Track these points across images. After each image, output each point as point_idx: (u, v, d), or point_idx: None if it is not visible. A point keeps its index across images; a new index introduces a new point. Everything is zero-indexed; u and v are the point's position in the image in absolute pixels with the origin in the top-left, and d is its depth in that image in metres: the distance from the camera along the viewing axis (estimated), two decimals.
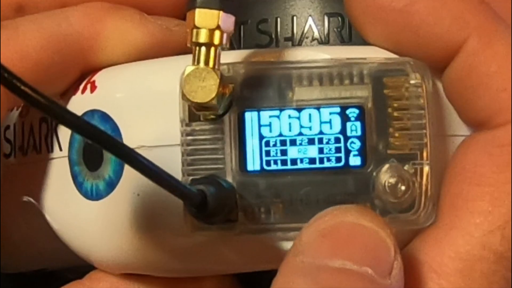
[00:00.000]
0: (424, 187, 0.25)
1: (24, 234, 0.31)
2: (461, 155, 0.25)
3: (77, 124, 0.20)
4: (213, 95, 0.23)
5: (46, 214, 0.29)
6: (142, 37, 0.28)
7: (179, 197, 0.22)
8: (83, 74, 0.28)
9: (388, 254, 0.23)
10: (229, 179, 0.25)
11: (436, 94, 0.26)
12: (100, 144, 0.20)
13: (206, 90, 0.23)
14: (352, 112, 0.25)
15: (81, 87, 0.27)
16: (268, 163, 0.25)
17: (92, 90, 0.27)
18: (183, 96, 0.24)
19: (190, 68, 0.24)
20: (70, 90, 0.28)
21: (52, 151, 0.28)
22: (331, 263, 0.23)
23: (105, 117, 0.26)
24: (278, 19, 0.29)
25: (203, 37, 0.24)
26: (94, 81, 0.27)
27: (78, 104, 0.27)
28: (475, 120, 0.25)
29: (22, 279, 0.34)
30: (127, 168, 0.26)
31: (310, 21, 0.29)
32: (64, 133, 0.28)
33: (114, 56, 0.28)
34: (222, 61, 0.25)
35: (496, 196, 0.24)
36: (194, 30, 0.24)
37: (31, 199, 0.29)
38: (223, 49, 0.24)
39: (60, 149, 0.28)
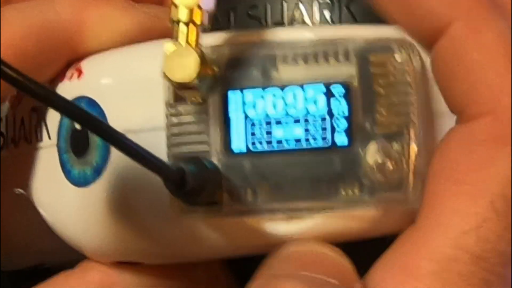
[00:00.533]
0: (412, 166, 0.24)
1: (21, 229, 0.31)
2: (440, 152, 0.25)
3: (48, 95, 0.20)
4: (193, 73, 0.23)
5: (37, 205, 0.28)
6: (129, 25, 0.28)
7: (157, 173, 0.22)
8: (71, 62, 0.28)
9: (352, 277, 0.24)
10: (215, 160, 0.25)
11: (424, 73, 0.25)
12: (67, 115, 0.20)
13: (186, 69, 0.23)
14: (338, 91, 0.25)
15: (68, 74, 0.27)
16: (253, 143, 0.25)
17: (79, 77, 0.27)
18: (164, 75, 0.23)
19: (170, 47, 0.23)
20: (58, 78, 0.28)
21: (41, 140, 0.28)
22: (303, 273, 0.23)
23: (92, 103, 0.26)
24: (268, 5, 0.28)
25: (183, 16, 0.24)
26: (80, 68, 0.27)
27: (66, 91, 0.27)
28: (454, 107, 0.25)
29: (20, 275, 0.34)
30: (113, 153, 0.26)
31: (299, 5, 0.28)
32: (52, 121, 0.28)
33: (101, 44, 0.27)
34: (205, 42, 0.25)
35: (473, 195, 0.23)
36: (174, 9, 0.24)
37: (21, 191, 0.29)
38: (205, 29, 0.24)
39: (49, 138, 0.28)
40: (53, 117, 0.28)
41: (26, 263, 0.33)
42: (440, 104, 0.26)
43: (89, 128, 0.21)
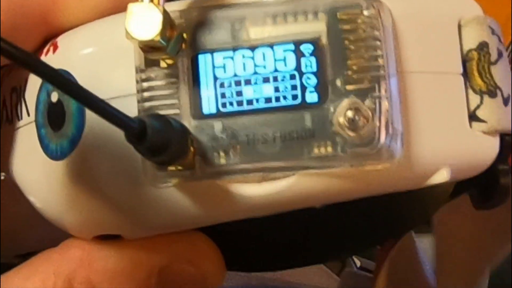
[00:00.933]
0: (383, 121, 0.24)
1: (13, 216, 0.31)
2: None
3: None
4: (156, 31, 0.23)
5: (20, 185, 0.28)
6: None
7: (117, 125, 0.22)
8: (48, 39, 0.28)
9: None
10: (186, 123, 0.25)
11: (395, 31, 0.25)
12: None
13: (149, 26, 0.23)
14: (307, 48, 0.24)
15: (45, 50, 0.28)
16: (224, 105, 0.25)
17: (54, 51, 0.27)
18: (127, 34, 0.23)
19: (133, 5, 0.23)
20: (36, 55, 0.28)
21: (21, 118, 0.28)
22: None
23: (66, 74, 0.26)
24: None
25: None
26: (56, 42, 0.27)
27: None
28: None
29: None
30: (88, 123, 0.26)
31: None
32: (31, 97, 0.28)
33: (76, 19, 0.28)
34: (174, 8, 0.25)
35: None
36: None
37: (4, 174, 0.29)
38: None
39: (28, 115, 0.28)
40: (31, 94, 0.28)
41: (20, 250, 0.33)
42: (410, 62, 0.25)
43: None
